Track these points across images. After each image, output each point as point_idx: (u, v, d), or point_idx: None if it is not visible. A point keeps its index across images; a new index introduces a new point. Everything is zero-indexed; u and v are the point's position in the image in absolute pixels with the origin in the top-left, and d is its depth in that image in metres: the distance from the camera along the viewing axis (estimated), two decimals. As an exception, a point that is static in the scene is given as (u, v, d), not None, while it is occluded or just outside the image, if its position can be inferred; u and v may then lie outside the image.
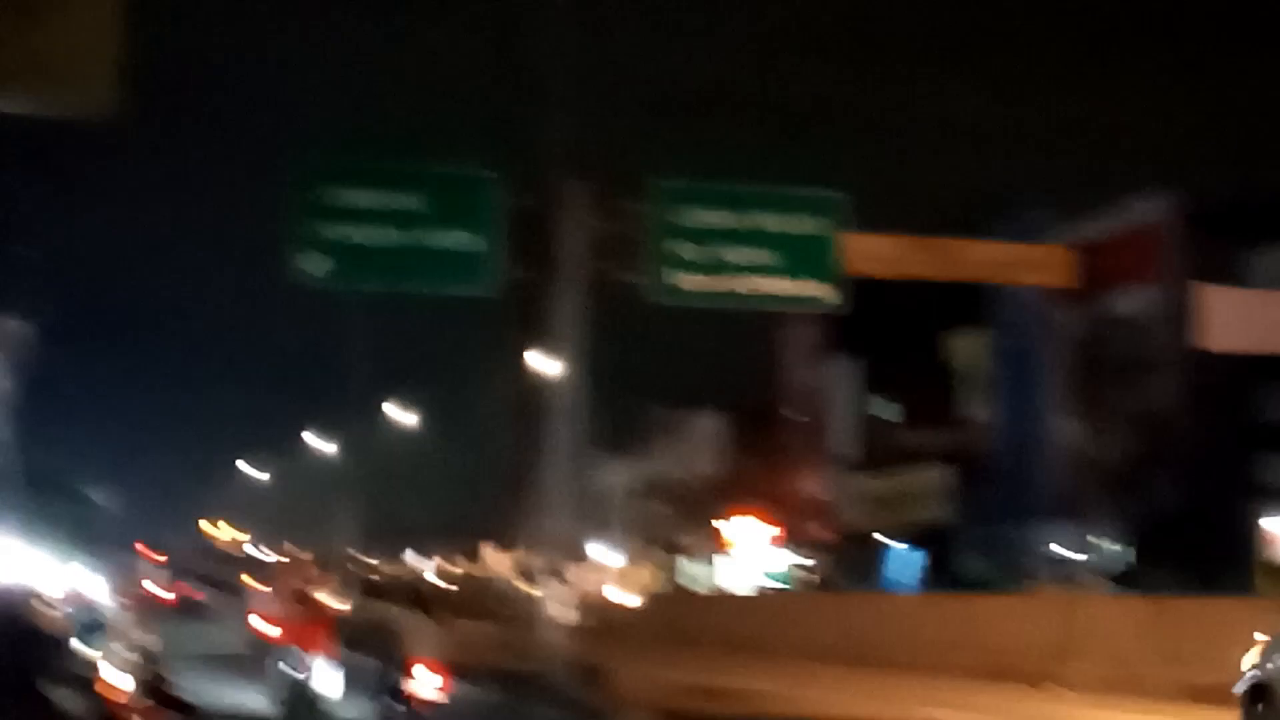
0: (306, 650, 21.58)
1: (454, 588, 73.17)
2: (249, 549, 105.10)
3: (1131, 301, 44.29)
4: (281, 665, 21.93)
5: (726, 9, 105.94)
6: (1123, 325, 44.30)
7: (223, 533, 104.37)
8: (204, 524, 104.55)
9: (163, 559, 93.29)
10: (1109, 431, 45.39)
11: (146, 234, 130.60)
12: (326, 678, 21.28)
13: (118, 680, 18.45)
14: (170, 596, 75.56)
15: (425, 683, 19.28)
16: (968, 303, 51.70)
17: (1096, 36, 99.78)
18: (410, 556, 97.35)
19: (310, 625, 22.04)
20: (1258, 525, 43.20)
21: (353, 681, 21.68)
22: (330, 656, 21.48)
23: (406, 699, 19.46)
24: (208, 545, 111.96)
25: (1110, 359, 45.53)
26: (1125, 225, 44.69)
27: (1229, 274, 41.20)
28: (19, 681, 13.89)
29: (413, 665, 19.46)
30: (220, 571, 74.38)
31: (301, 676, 21.23)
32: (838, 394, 60.73)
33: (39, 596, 28.45)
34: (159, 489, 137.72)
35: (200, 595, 75.79)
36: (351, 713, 21.29)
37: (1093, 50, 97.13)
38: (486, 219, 28.74)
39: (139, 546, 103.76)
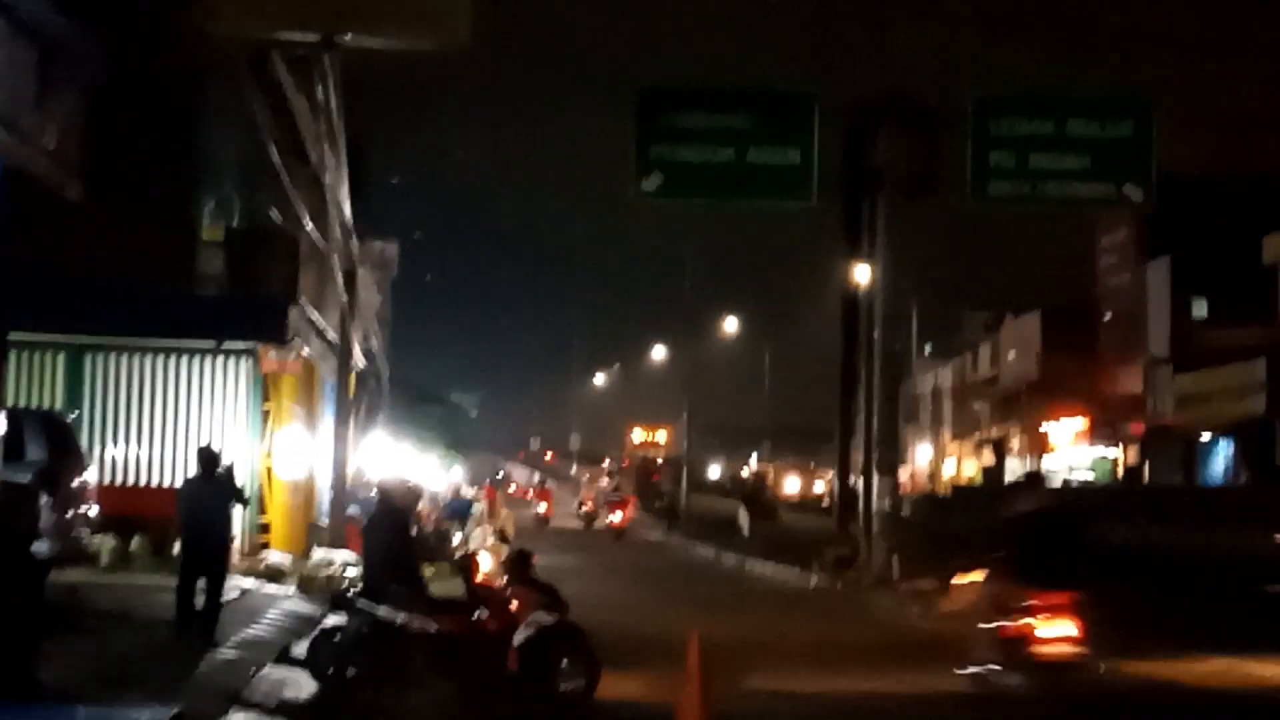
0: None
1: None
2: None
3: None
4: None
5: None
6: None
7: (639, 436, 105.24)
8: (634, 430, 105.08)
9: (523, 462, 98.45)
10: None
11: (506, 159, 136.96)
12: None
13: (490, 565, 21.22)
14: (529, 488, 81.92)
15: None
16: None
17: None
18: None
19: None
20: None
21: None
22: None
23: None
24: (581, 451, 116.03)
25: None
26: None
27: None
28: (406, 569, 15.92)
29: None
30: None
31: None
32: (1152, 293, 60.80)
33: (424, 494, 31.18)
34: (519, 395, 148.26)
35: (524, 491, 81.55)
36: None
37: None
38: (808, 134, 30.80)
39: (523, 453, 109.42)
